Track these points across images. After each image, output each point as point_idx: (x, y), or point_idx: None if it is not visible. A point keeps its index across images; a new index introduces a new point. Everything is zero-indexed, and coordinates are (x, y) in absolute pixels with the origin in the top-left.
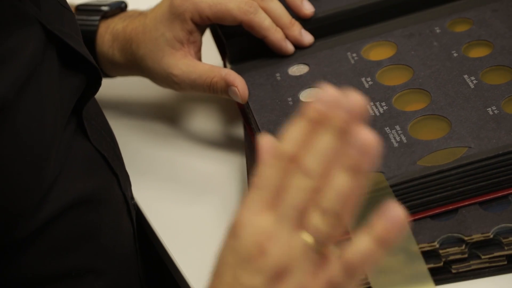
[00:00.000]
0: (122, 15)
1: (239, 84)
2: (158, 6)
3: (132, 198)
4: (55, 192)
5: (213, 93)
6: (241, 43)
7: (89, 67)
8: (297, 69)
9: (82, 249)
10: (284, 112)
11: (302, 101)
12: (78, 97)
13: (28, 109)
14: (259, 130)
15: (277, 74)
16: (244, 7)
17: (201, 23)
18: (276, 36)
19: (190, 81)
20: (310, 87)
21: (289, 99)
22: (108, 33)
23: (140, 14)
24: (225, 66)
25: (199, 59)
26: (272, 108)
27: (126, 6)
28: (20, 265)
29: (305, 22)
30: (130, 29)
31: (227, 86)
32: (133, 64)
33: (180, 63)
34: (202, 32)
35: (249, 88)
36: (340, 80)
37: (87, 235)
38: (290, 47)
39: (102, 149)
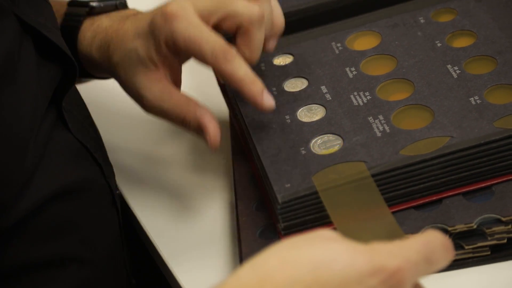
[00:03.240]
0: (114, 14)
1: (211, 132)
2: (146, 14)
3: (117, 188)
4: (37, 183)
5: (184, 129)
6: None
7: (66, 58)
8: (282, 59)
9: (67, 238)
10: None
11: (286, 91)
12: (55, 87)
13: (6, 98)
14: (243, 119)
15: (262, 64)
16: (218, 53)
17: (174, 52)
18: (251, 88)
19: (161, 109)
20: (294, 77)
21: (274, 89)
22: (91, 30)
23: (133, 15)
24: None
25: (178, 84)
26: None
27: (123, 5)
28: (3, 254)
29: (289, 13)
30: (112, 30)
31: (199, 129)
32: (108, 66)
33: (154, 88)
34: (181, 59)
35: None
36: (324, 70)
37: (72, 225)
38: (267, 104)
39: (84, 140)
